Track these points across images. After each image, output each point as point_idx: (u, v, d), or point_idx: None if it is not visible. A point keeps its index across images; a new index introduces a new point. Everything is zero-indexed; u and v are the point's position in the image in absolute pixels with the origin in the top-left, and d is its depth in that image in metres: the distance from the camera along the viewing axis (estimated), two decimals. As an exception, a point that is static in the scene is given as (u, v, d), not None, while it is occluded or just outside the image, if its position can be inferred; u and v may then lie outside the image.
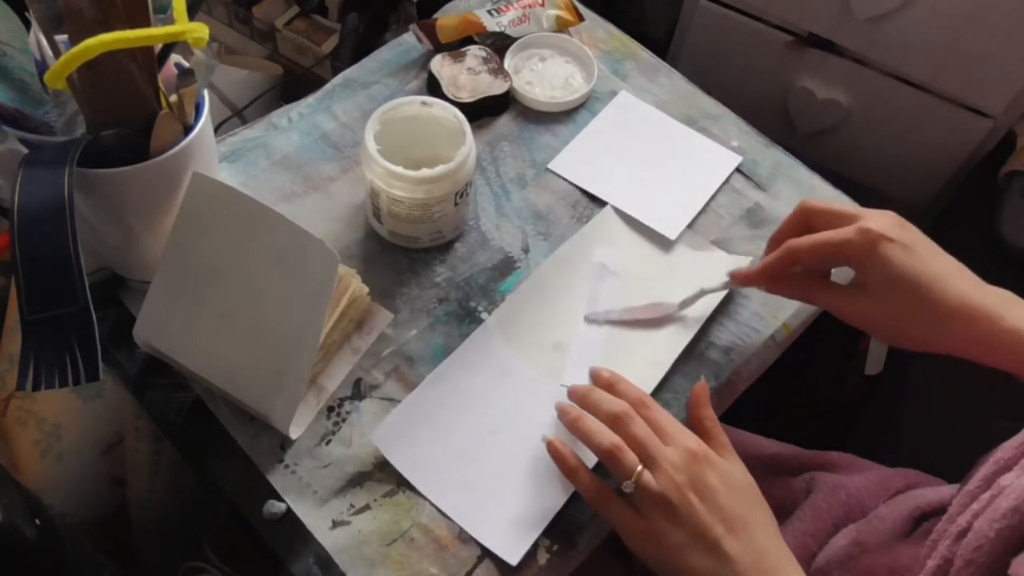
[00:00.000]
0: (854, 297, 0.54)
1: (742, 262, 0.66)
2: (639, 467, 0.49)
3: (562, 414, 0.54)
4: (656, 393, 0.60)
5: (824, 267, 0.57)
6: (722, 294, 0.63)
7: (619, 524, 0.50)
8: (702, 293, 0.61)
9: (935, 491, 0.59)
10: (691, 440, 0.51)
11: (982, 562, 0.41)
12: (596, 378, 0.56)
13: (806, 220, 0.56)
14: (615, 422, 0.51)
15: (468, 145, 0.60)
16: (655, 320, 0.62)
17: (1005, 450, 0.46)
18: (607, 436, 0.51)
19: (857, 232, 0.51)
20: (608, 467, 0.51)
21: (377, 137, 0.60)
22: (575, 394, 0.55)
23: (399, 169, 0.58)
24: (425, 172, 0.59)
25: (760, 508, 0.51)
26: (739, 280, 0.59)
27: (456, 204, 0.62)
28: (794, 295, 0.58)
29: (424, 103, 0.63)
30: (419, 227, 0.63)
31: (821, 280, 0.57)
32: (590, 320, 0.62)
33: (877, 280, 0.51)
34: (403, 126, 0.63)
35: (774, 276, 0.57)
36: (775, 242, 0.57)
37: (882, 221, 0.52)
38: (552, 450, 0.53)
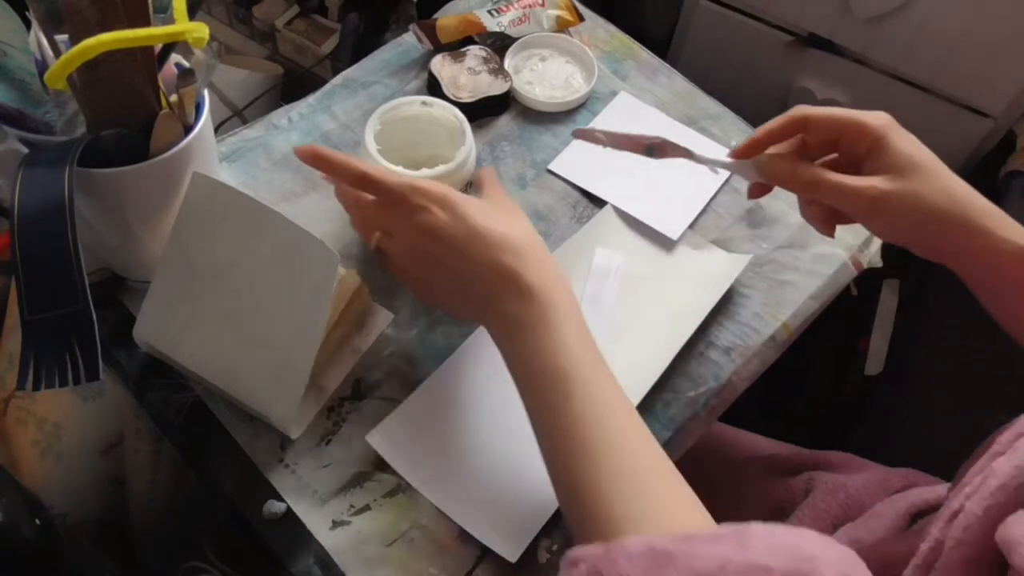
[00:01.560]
0: (864, 180, 0.51)
1: (742, 259, 0.66)
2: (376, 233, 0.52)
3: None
4: (655, 392, 0.60)
5: (830, 148, 0.55)
6: (730, 276, 0.63)
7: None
8: (700, 160, 0.58)
9: (932, 490, 0.60)
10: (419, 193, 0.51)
11: (971, 540, 0.41)
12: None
13: (800, 123, 0.54)
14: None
15: (468, 145, 0.60)
16: (669, 152, 0.59)
17: (1001, 444, 0.46)
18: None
19: (870, 115, 0.51)
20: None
21: (377, 137, 0.60)
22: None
23: (400, 169, 0.58)
24: (425, 172, 0.59)
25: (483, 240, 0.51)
26: (740, 151, 0.56)
27: None
28: (796, 176, 0.53)
29: (424, 103, 0.63)
30: None
31: (823, 165, 0.54)
32: (580, 134, 0.60)
33: (892, 153, 0.51)
34: (403, 126, 0.63)
35: (773, 136, 0.54)
36: (754, 143, 0.55)
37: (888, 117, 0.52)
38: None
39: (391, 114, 0.62)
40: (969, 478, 0.45)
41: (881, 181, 0.51)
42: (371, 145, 0.59)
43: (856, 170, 0.53)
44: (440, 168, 0.59)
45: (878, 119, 0.51)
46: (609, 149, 0.73)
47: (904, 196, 0.50)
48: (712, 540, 0.37)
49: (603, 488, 0.43)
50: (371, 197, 0.52)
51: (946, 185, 0.50)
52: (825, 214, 0.55)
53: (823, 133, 0.53)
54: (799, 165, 0.53)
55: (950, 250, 0.51)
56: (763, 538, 0.36)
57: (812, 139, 0.54)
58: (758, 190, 0.58)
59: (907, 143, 0.51)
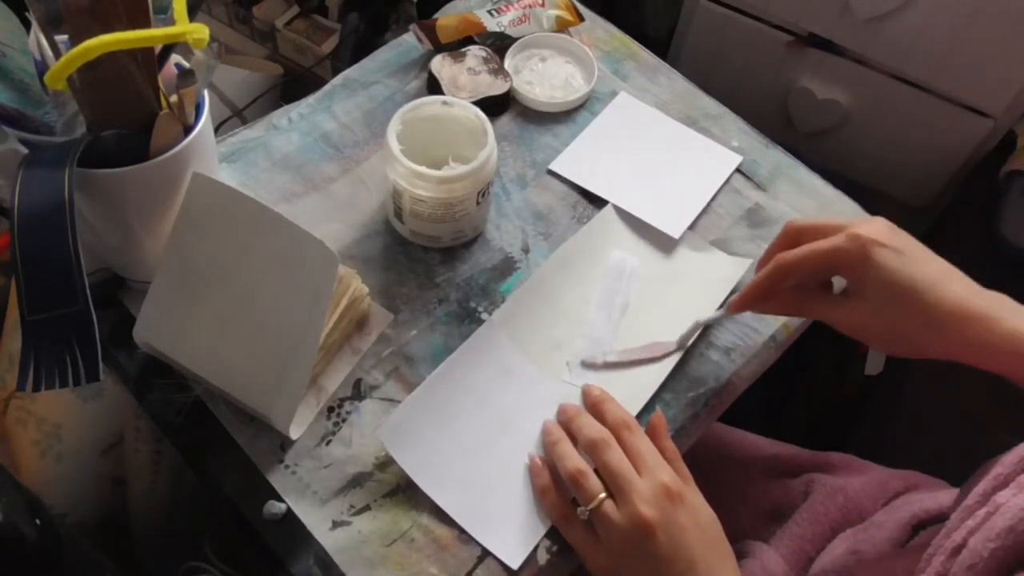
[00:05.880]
0: (848, 305, 0.52)
1: (743, 263, 0.66)
2: (601, 495, 0.50)
3: (546, 435, 0.56)
4: (656, 392, 0.60)
5: (815, 280, 0.56)
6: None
7: (579, 549, 0.52)
8: (698, 327, 0.61)
9: (933, 497, 0.59)
10: (666, 474, 0.51)
11: None
12: (585, 395, 0.58)
13: (794, 239, 0.54)
14: (592, 448, 0.53)
15: (491, 144, 0.60)
16: (654, 359, 0.61)
17: (1004, 465, 0.46)
18: (573, 461, 0.52)
19: (848, 238, 0.50)
20: (574, 492, 0.52)
21: (399, 137, 0.60)
22: (563, 414, 0.57)
23: (423, 169, 0.58)
24: (448, 171, 0.59)
25: (723, 546, 0.51)
26: (734, 307, 0.58)
27: (478, 203, 0.62)
28: (787, 310, 0.57)
29: (445, 103, 0.63)
30: (441, 227, 0.63)
31: (813, 292, 0.55)
32: (587, 366, 0.60)
33: (871, 286, 0.50)
34: (424, 126, 0.63)
35: (766, 293, 0.55)
36: (764, 264, 0.57)
37: (872, 227, 0.51)
38: (532, 465, 0.55)
39: (412, 114, 0.62)
40: (973, 504, 0.45)
41: (859, 313, 0.52)
42: (394, 145, 0.59)
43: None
44: (464, 167, 0.59)
45: (855, 242, 0.50)
46: (609, 152, 0.73)
47: (882, 324, 0.51)
48: None
49: None
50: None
51: (925, 307, 0.49)
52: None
53: (807, 276, 0.54)
54: (789, 307, 0.56)
55: (941, 357, 0.51)
56: None
57: (801, 280, 0.55)
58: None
59: (885, 267, 0.49)
